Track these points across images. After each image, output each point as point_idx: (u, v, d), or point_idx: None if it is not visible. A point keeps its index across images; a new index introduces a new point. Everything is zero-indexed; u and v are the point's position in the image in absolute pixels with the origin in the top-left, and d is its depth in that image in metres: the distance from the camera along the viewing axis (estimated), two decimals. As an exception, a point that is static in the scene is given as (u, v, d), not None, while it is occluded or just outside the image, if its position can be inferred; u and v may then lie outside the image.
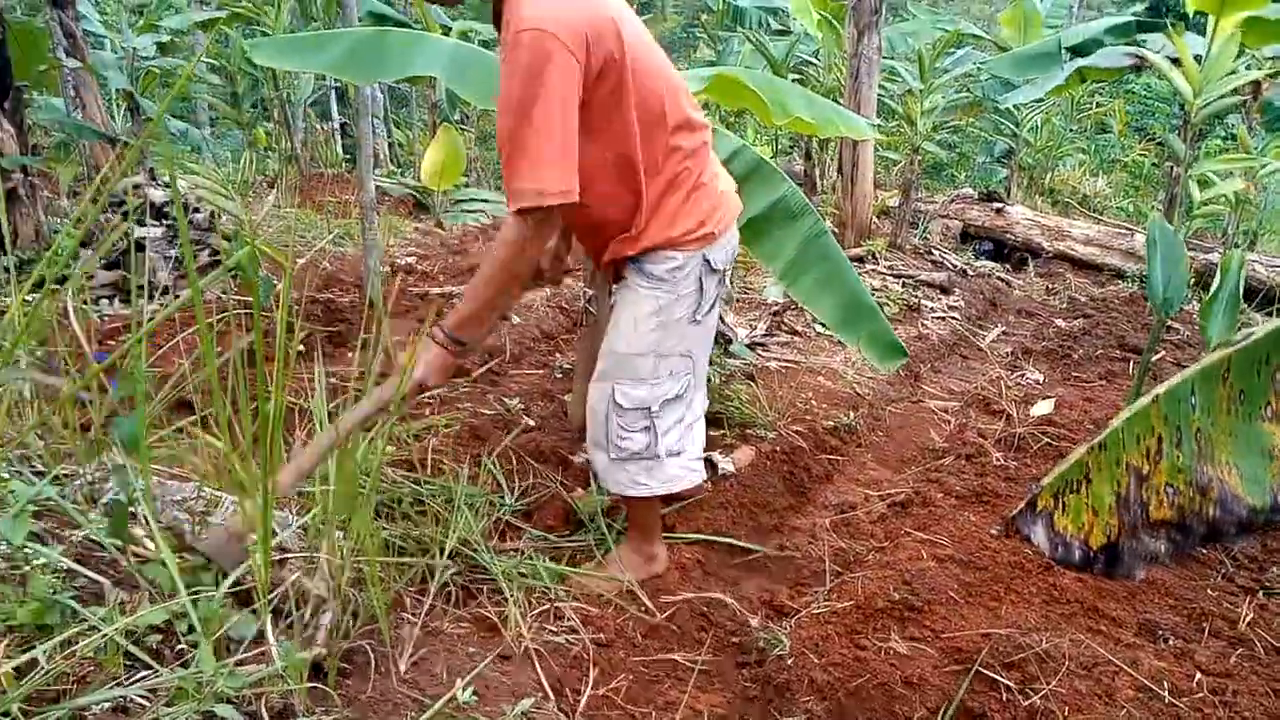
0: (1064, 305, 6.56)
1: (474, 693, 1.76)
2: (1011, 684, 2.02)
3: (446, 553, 2.19)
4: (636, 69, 1.96)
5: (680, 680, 2.16)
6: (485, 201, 7.86)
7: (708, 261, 2.20)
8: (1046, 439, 3.52)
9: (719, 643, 2.34)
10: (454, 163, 6.74)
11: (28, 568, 1.53)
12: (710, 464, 3.04)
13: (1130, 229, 7.76)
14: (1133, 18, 5.90)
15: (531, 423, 3.30)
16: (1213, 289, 3.04)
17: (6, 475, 1.77)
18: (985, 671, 2.05)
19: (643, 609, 2.32)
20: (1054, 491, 2.56)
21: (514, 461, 2.86)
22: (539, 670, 1.98)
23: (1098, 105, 11.74)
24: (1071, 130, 11.13)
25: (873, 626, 2.29)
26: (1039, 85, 5.58)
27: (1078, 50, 5.57)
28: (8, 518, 1.42)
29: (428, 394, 2.06)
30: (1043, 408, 3.92)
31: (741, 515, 2.92)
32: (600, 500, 2.70)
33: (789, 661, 2.19)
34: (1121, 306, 6.23)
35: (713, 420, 3.47)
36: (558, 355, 4.22)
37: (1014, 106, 8.10)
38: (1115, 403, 3.98)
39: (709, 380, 3.66)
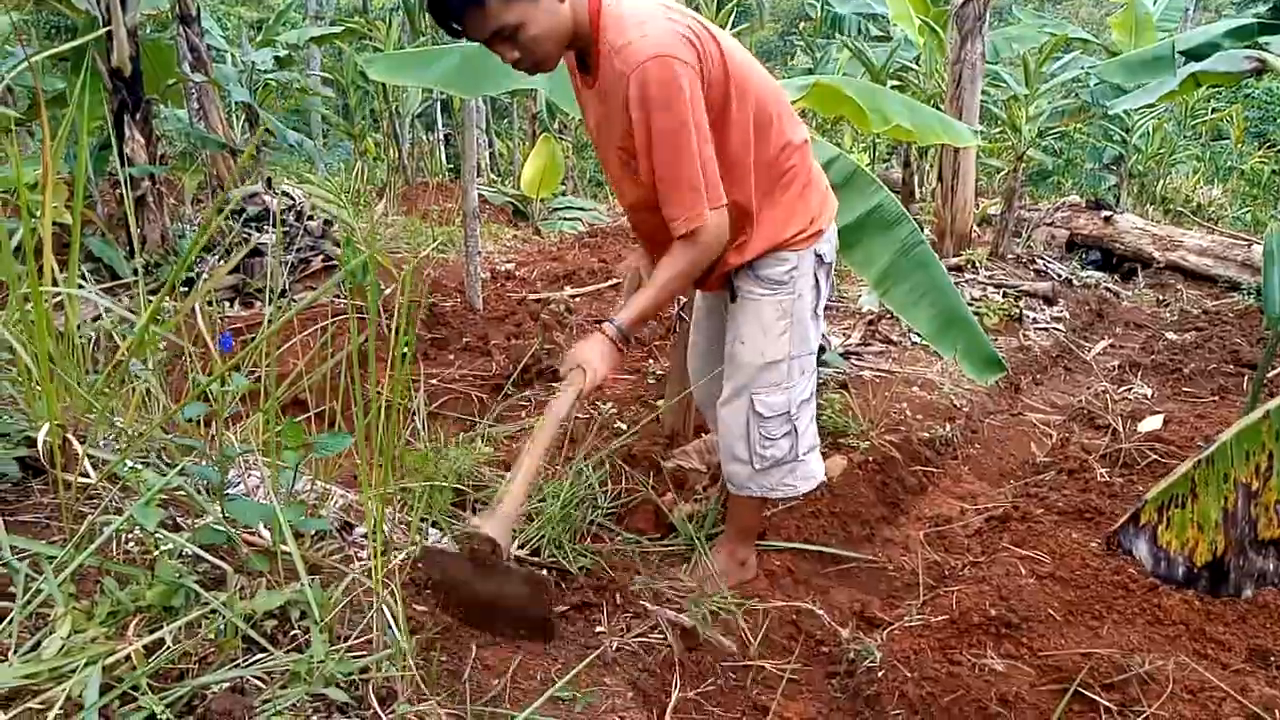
0: (1175, 317, 6.30)
1: (578, 696, 1.80)
2: (1111, 706, 1.96)
3: (544, 553, 2.25)
4: (737, 69, 1.97)
5: (769, 688, 2.17)
6: (581, 210, 7.98)
7: (819, 256, 2.21)
8: (1154, 455, 3.40)
9: (808, 652, 2.34)
10: (552, 172, 6.89)
11: (157, 552, 1.63)
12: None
13: (1247, 239, 7.41)
14: (1254, 19, 5.65)
15: (624, 427, 3.35)
16: (1336, 303, 2.90)
17: (139, 466, 1.89)
18: (1084, 692, 2.00)
19: (731, 616, 2.34)
20: (1158, 506, 2.48)
21: (606, 466, 2.91)
22: (630, 671, 2.01)
23: (1213, 111, 11.24)
24: (1185, 136, 10.68)
25: (967, 642, 2.25)
26: (1151, 91, 5.38)
27: (1193, 54, 5.35)
28: (140, 505, 1.51)
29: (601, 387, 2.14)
30: (1151, 423, 3.78)
31: (833, 524, 2.91)
32: (691, 508, 2.73)
33: (880, 674, 2.17)
34: (1236, 320, 5.95)
35: (805, 429, 3.47)
36: (651, 361, 4.27)
37: (1124, 112, 7.83)
38: (1227, 419, 3.81)
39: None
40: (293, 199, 4.93)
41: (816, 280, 2.23)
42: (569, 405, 1.97)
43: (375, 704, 1.45)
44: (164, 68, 5.13)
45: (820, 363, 3.92)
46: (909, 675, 2.14)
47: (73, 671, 1.25)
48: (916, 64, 8.39)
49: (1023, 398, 4.50)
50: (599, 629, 2.09)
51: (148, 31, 5.80)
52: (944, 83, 6.78)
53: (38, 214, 1.80)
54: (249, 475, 2.03)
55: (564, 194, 8.53)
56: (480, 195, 6.86)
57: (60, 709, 1.18)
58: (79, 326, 1.93)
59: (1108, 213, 7.83)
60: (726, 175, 2.02)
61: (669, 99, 1.81)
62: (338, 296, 3.95)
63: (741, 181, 2.06)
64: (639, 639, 2.12)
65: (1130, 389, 4.52)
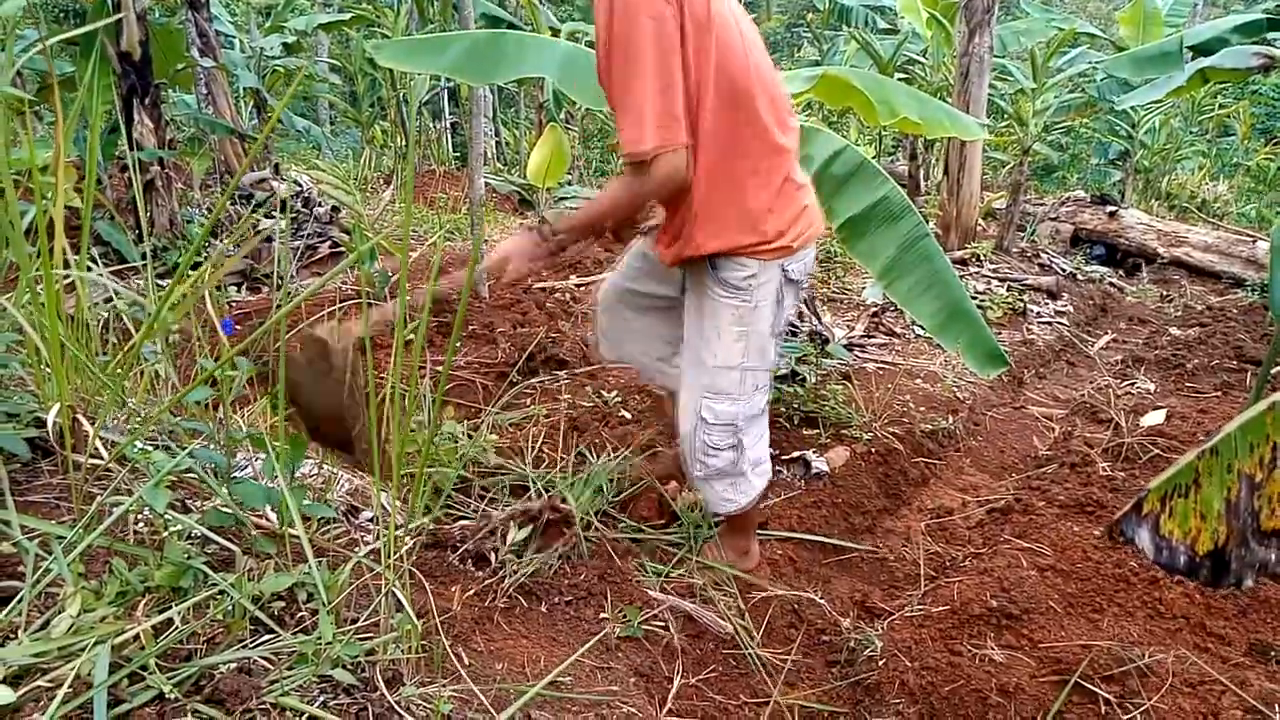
0: (1178, 313, 6.30)
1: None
2: (1111, 697, 1.98)
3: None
4: (721, 39, 1.90)
5: (770, 676, 2.18)
6: (587, 200, 7.97)
7: (785, 273, 2.15)
8: (1156, 450, 3.40)
9: (809, 640, 2.35)
10: (558, 161, 6.87)
11: (165, 534, 1.64)
12: (804, 463, 3.04)
13: (1252, 236, 7.39)
14: (1263, 15, 5.63)
15: (628, 415, 3.36)
16: (1341, 299, 2.90)
17: (149, 447, 1.90)
18: (1084, 683, 2.02)
19: (734, 603, 2.35)
20: (1161, 495, 2.48)
21: (610, 453, 2.92)
22: (632, 657, 2.03)
23: (1220, 107, 11.20)
24: (1191, 132, 10.64)
25: (968, 633, 2.27)
26: (1158, 86, 5.36)
27: (1201, 50, 5.34)
28: (149, 486, 1.52)
29: (510, 277, 2.05)
30: (1153, 418, 3.78)
31: (834, 515, 2.92)
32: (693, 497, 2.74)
33: (880, 663, 2.19)
34: (1240, 316, 5.94)
35: (808, 420, 3.48)
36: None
37: (1131, 108, 7.81)
38: (1230, 415, 3.80)
39: (804, 380, 3.67)
40: (300, 185, 4.93)
41: (781, 297, 2.16)
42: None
43: (382, 686, 1.46)
44: (173, 53, 5.13)
45: (824, 354, 3.94)
46: (909, 665, 2.15)
47: (82, 650, 1.26)
48: (924, 57, 8.37)
49: (1025, 391, 4.50)
50: (602, 615, 2.11)
51: (157, 16, 5.79)
52: (951, 76, 6.77)
53: (49, 197, 1.80)
54: (256, 459, 2.04)
55: (570, 183, 8.52)
56: (486, 184, 6.86)
57: (69, 687, 1.19)
58: (89, 309, 1.94)
59: (1113, 208, 7.81)
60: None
61: (632, 12, 1.76)
62: (344, 282, 3.96)
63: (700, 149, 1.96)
64: (642, 625, 2.14)
65: (1133, 384, 4.53)
